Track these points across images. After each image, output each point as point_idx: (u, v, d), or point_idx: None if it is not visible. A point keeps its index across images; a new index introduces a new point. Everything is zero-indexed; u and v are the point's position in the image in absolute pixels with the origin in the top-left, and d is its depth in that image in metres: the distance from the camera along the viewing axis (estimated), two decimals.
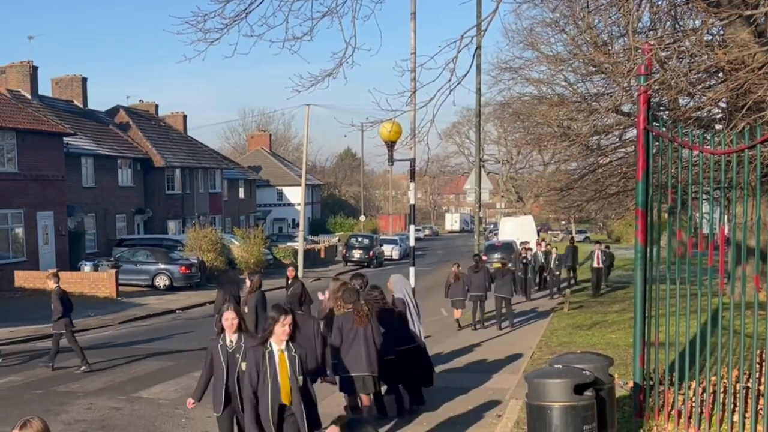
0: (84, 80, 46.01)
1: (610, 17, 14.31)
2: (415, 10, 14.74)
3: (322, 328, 10.67)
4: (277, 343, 6.88)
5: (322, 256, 50.05)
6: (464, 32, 8.27)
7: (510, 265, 23.33)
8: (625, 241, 52.22)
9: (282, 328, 6.82)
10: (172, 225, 46.41)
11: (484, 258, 22.29)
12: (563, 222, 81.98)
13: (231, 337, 7.78)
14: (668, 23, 14.49)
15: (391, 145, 14.81)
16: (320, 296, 12.18)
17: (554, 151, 26.32)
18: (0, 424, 10.66)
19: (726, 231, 8.82)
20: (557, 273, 28.00)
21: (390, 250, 53.13)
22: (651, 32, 15.50)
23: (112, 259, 33.75)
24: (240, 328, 7.83)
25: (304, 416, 6.86)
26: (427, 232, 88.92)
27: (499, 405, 11.14)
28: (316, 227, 73.97)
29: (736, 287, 8.32)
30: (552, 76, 22.35)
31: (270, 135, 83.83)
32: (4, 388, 13.24)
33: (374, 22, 24.23)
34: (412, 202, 15.55)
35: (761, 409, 7.62)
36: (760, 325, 7.17)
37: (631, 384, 9.29)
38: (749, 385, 7.73)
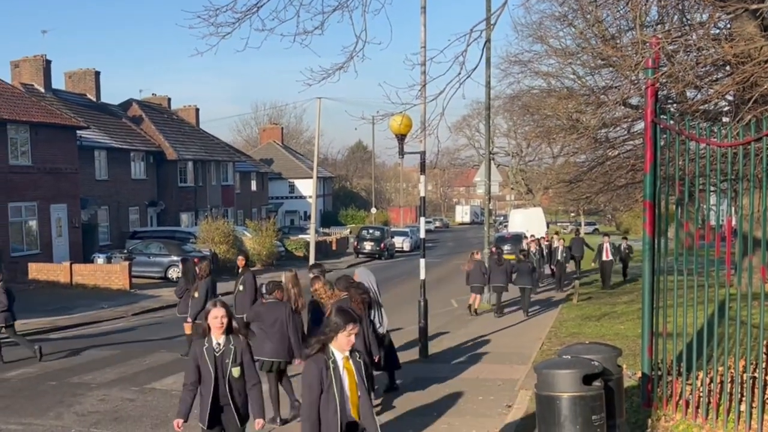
0: (97, 74, 46.18)
1: (618, 11, 14.37)
2: (425, 4, 14.77)
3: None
4: (340, 351, 6.08)
5: (334, 248, 50.19)
6: (474, 26, 8.40)
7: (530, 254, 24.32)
8: (634, 233, 52.16)
9: (347, 339, 6.05)
10: (184, 217, 46.61)
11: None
12: (572, 214, 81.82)
13: (218, 339, 6.79)
14: (675, 17, 14.58)
15: (401, 137, 14.86)
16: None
17: (563, 143, 26.35)
18: (14, 416, 10.78)
19: (733, 223, 8.90)
20: (565, 265, 27.92)
21: (401, 242, 53.19)
22: (659, 26, 15.60)
23: (125, 251, 33.98)
24: (230, 329, 6.83)
25: (379, 428, 6.15)
26: (437, 224, 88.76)
27: (509, 395, 11.27)
28: (328, 219, 74.15)
29: (743, 278, 8.41)
30: (561, 69, 22.45)
31: (282, 128, 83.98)
32: (18, 380, 13.36)
33: (384, 16, 24.31)
34: (422, 194, 15.61)
35: None
36: (766, 316, 7.23)
37: (639, 374, 9.38)
38: (756, 375, 7.82)
